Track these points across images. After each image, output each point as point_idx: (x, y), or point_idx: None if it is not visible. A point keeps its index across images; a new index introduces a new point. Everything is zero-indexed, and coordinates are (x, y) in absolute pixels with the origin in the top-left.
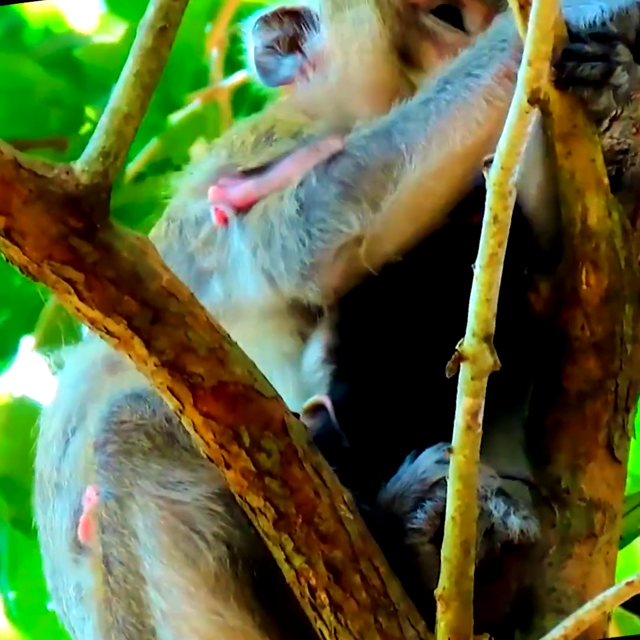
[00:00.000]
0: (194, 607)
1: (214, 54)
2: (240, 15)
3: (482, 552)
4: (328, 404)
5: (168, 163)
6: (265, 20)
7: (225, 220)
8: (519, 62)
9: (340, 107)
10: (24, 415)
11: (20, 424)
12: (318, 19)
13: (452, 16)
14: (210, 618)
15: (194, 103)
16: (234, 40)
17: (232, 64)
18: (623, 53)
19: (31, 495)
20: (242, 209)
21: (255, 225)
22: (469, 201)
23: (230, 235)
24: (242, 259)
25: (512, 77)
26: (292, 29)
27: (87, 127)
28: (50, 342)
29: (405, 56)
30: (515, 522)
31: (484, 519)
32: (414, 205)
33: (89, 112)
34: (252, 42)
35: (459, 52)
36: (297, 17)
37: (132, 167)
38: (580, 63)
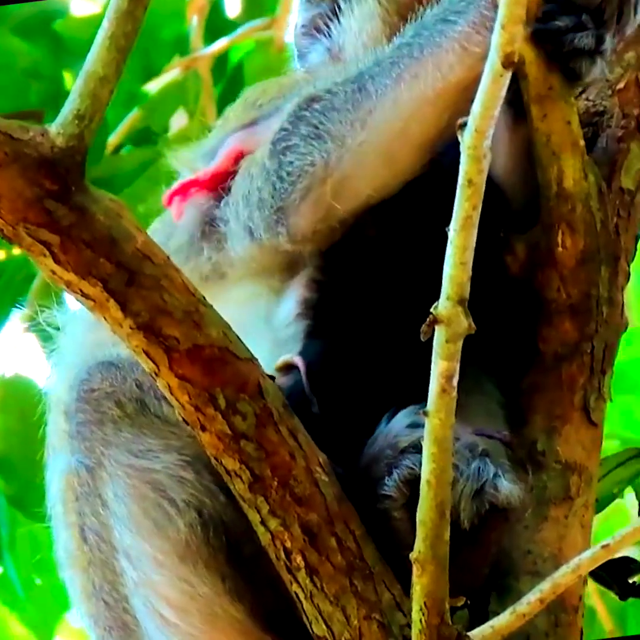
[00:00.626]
0: (162, 575)
1: (194, 22)
2: None
3: (469, 513)
4: (301, 365)
5: (148, 133)
6: None
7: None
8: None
9: None
10: (20, 393)
11: (16, 403)
12: (340, 9)
13: None
14: (179, 586)
15: (174, 72)
16: (214, 8)
17: (212, 32)
18: (588, 21)
19: (28, 474)
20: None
21: (239, 183)
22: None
23: (220, 208)
24: (230, 224)
25: (489, 25)
26: (331, 9)
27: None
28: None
29: None
30: (505, 485)
31: (473, 480)
32: (385, 147)
33: (69, 84)
34: (297, 17)
35: None
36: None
37: (113, 138)
38: (576, 34)
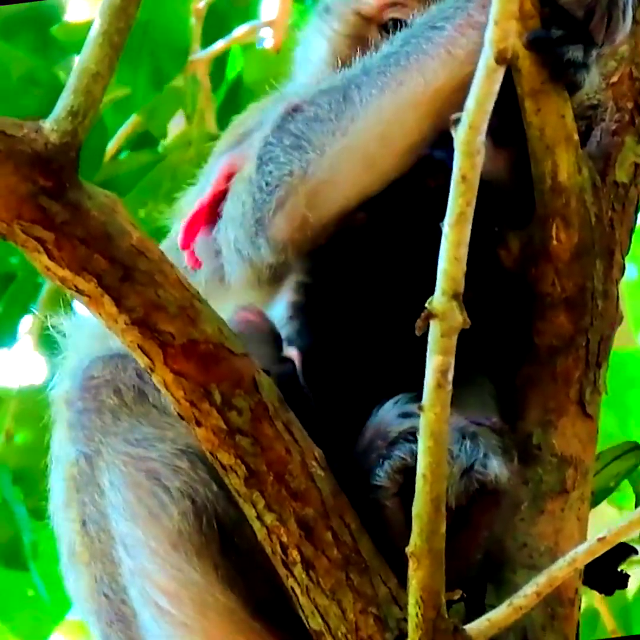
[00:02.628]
0: (155, 563)
1: (192, 24)
2: None
3: (457, 491)
4: (296, 357)
5: (147, 137)
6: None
7: (196, 262)
8: (486, 9)
9: None
10: (35, 405)
11: (32, 415)
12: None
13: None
14: (172, 573)
15: None
16: (212, 10)
17: (209, 34)
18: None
19: (45, 486)
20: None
21: (228, 205)
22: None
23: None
24: (223, 252)
25: (477, 26)
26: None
27: None
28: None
29: None
30: (494, 465)
31: (462, 458)
32: (366, 153)
33: None
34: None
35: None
36: None
37: (112, 144)
38: (569, 46)
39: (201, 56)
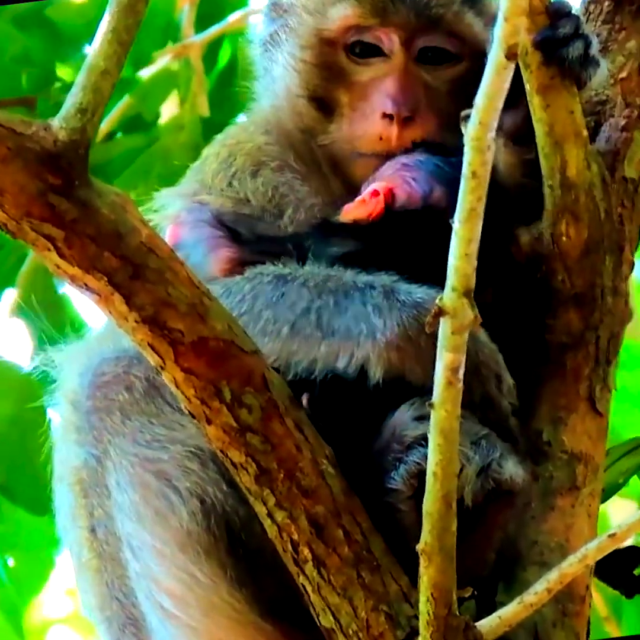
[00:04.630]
0: (161, 564)
1: (186, 10)
2: None
3: (473, 490)
4: (304, 398)
5: (139, 120)
6: (273, 4)
7: None
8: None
9: (283, 136)
10: (3, 378)
11: (2, 390)
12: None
13: (370, 48)
14: (178, 575)
15: (165, 59)
16: None
17: (203, 19)
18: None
19: (12, 460)
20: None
21: None
22: None
23: None
24: None
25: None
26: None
27: (57, 86)
28: (29, 303)
29: (323, 105)
30: (510, 466)
31: (478, 458)
32: None
33: (60, 70)
34: (260, 29)
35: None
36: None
37: (104, 126)
38: (572, 43)
39: (194, 40)
